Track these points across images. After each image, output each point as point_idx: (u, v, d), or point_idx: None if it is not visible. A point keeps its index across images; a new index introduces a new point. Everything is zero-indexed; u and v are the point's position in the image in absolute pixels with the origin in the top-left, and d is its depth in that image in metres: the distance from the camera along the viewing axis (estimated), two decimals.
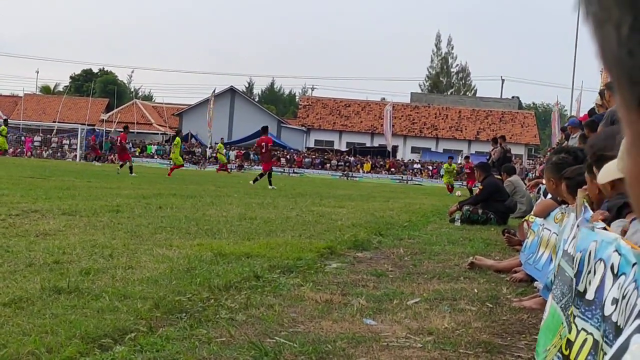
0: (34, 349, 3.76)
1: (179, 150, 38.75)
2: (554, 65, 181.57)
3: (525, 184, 18.93)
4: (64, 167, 40.20)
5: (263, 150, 29.17)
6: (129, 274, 5.99)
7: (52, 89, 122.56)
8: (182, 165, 40.37)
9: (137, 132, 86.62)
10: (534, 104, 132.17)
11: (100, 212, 11.39)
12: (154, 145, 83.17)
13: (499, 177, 17.27)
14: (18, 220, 9.56)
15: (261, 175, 29.28)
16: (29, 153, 74.67)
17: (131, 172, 33.80)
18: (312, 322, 4.88)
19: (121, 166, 35.89)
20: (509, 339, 4.81)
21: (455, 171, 40.97)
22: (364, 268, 7.52)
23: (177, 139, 39.64)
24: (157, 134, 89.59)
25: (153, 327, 4.40)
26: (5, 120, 48.27)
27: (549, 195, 7.65)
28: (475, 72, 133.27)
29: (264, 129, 30.12)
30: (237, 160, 77.82)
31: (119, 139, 37.91)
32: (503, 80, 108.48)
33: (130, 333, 4.21)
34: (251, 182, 28.69)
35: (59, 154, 78.26)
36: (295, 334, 4.53)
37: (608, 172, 3.43)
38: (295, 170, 74.51)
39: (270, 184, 27.67)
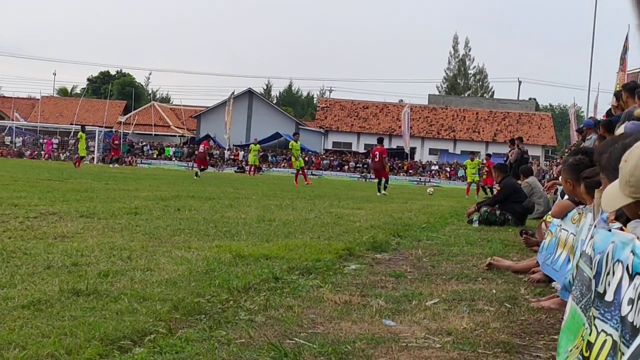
0: (53, 350, 3.77)
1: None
2: (570, 67, 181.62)
3: (543, 185, 18.89)
4: (82, 169, 40.33)
5: (376, 159, 30.32)
6: (147, 276, 6.00)
7: (69, 91, 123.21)
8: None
9: (155, 135, 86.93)
10: (550, 105, 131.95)
11: (119, 214, 11.42)
12: (171, 147, 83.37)
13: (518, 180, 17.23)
14: (36, 223, 9.59)
15: (386, 181, 30.41)
16: (46, 155, 74.92)
17: (196, 176, 36.13)
18: (331, 323, 4.87)
19: (201, 170, 38.41)
20: (527, 339, 4.79)
21: (478, 166, 40.52)
22: (383, 269, 7.50)
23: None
24: (175, 136, 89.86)
25: (172, 328, 4.40)
26: (83, 127, 49.02)
27: (567, 196, 7.62)
28: (493, 74, 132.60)
29: (380, 140, 31.80)
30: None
31: (202, 146, 39.98)
32: (520, 82, 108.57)
33: (149, 335, 4.21)
34: (383, 192, 29.33)
35: (76, 156, 78.56)
36: (315, 335, 4.52)
37: (612, 199, 3.33)
38: (313, 172, 74.51)
39: (379, 191, 29.05)
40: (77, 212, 11.19)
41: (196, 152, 45.75)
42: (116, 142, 57.00)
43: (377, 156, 30.15)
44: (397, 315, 5.23)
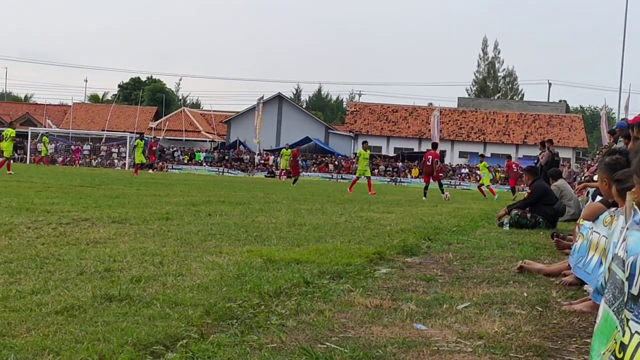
0: (86, 356, 3.80)
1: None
2: (601, 69, 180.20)
3: (574, 188, 18.77)
4: (113, 175, 40.56)
5: (428, 163, 30.71)
6: (179, 281, 6.03)
7: (100, 97, 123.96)
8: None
9: (185, 140, 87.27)
10: (581, 107, 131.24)
11: (150, 219, 11.47)
12: (202, 152, 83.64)
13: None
14: (69, 229, 9.66)
15: (440, 185, 31.42)
16: (78, 162, 75.34)
17: (293, 182, 38.11)
18: (362, 328, 4.87)
19: (293, 180, 39.82)
20: (559, 342, 4.76)
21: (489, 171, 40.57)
22: (414, 273, 7.49)
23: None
24: (206, 141, 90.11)
25: (204, 333, 4.42)
26: (141, 135, 49.92)
27: (598, 198, 7.57)
28: (522, 76, 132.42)
29: (434, 145, 32.50)
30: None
31: (293, 154, 42.20)
32: (550, 84, 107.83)
33: (181, 340, 4.23)
34: (443, 195, 30.03)
35: (108, 162, 79.03)
36: (346, 339, 4.53)
37: None
38: (343, 176, 74.47)
39: (425, 196, 29.43)
40: (109, 218, 11.26)
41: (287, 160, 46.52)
42: (153, 148, 57.50)
43: (430, 160, 30.57)
44: (428, 319, 5.22)
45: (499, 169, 75.01)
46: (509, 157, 47.26)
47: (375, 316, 5.23)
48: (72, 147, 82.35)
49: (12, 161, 33.73)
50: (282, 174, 53.73)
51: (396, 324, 5.02)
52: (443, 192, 30.33)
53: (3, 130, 46.24)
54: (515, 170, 40.57)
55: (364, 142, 35.79)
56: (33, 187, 20.31)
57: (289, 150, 53.22)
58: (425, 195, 29.38)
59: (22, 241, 8.23)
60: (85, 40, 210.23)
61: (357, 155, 36.43)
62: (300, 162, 41.76)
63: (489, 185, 38.88)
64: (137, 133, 60.57)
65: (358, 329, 4.85)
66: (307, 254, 7.99)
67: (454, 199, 29.25)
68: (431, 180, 30.51)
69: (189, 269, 6.67)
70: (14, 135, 34.53)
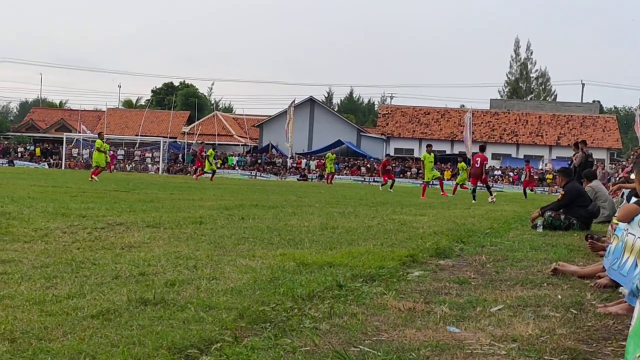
0: None
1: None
2: (635, 68, 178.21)
3: (608, 189, 18.62)
4: (147, 179, 40.79)
5: (477, 165, 30.64)
6: (213, 284, 6.06)
7: (134, 102, 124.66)
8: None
9: (218, 144, 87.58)
10: (615, 107, 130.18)
11: (184, 223, 11.53)
12: (235, 156, 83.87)
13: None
14: (104, 234, 9.75)
15: (488, 188, 31.55)
16: (112, 167, 75.63)
17: (390, 188, 39.12)
18: (395, 331, 4.88)
19: (383, 186, 40.82)
20: (594, 345, 4.74)
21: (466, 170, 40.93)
22: (447, 276, 7.48)
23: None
24: (238, 145, 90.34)
25: (238, 337, 4.45)
26: (213, 145, 51.89)
27: (633, 200, 7.52)
28: (555, 76, 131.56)
29: (482, 148, 32.41)
30: (317, 170, 77.97)
31: (383, 162, 43.23)
32: (583, 85, 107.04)
33: (216, 343, 4.26)
34: (491, 198, 30.15)
35: (142, 167, 79.43)
36: (379, 342, 4.53)
37: None
38: (375, 179, 74.33)
39: (474, 199, 29.54)
40: (144, 222, 11.33)
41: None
42: (202, 153, 58.09)
43: (478, 162, 30.51)
44: (461, 322, 5.22)
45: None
46: (527, 161, 50.03)
47: (408, 319, 5.23)
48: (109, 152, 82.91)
49: (101, 170, 34.45)
50: (329, 177, 54.44)
51: (429, 327, 5.02)
52: (491, 194, 30.36)
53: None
54: (531, 174, 41.60)
55: (429, 146, 35.88)
56: (68, 192, 20.46)
57: (333, 155, 54.04)
58: (474, 199, 29.46)
59: (58, 246, 8.32)
60: (118, 45, 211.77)
61: (422, 159, 36.12)
62: (390, 168, 42.44)
63: (462, 184, 40.27)
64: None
65: (391, 332, 4.85)
66: (340, 257, 8.00)
67: (486, 200, 29.09)
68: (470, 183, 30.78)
69: (222, 273, 6.70)
70: (100, 146, 35.22)
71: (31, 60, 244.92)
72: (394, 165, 78.75)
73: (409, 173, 77.75)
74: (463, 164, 40.26)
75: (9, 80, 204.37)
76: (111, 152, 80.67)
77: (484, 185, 31.09)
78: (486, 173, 30.89)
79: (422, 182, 36.31)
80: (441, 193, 35.18)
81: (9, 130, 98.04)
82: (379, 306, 5.62)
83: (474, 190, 30.59)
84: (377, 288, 6.37)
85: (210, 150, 48.22)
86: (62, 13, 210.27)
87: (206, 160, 47.16)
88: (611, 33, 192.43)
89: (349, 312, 5.32)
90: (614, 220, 9.55)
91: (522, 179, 52.43)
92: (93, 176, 32.24)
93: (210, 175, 46.66)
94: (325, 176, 57.92)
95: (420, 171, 77.64)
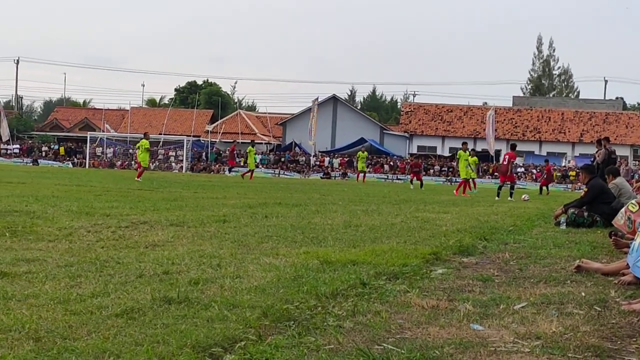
0: (146, 358, 3.85)
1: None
2: None
3: (632, 185, 18.50)
4: (171, 178, 40.93)
5: (504, 163, 31.08)
6: (237, 283, 6.07)
7: (157, 101, 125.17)
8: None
9: (242, 142, 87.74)
10: (638, 104, 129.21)
11: (208, 222, 11.56)
12: (258, 154, 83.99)
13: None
14: (128, 232, 9.79)
15: (511, 187, 31.53)
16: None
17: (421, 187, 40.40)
18: (419, 328, 4.86)
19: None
20: (618, 342, 4.70)
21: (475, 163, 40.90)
22: (470, 273, 7.45)
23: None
24: (262, 143, 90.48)
25: (262, 335, 4.45)
26: (252, 142, 53.10)
27: None
28: (578, 73, 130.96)
29: (513, 146, 32.10)
30: (341, 167, 77.97)
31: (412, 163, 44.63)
32: (606, 81, 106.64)
33: (240, 342, 4.26)
34: (509, 199, 30.05)
35: (165, 166, 79.68)
36: (403, 340, 4.53)
37: None
38: (398, 177, 74.29)
39: (498, 196, 30.16)
40: (167, 221, 11.37)
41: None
42: (234, 152, 58.47)
43: (506, 160, 30.81)
44: (485, 319, 5.20)
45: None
46: (546, 160, 52.22)
47: (432, 317, 5.21)
48: (131, 150, 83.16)
49: (144, 170, 34.84)
50: (360, 176, 54.97)
51: (453, 324, 5.01)
52: (512, 196, 30.29)
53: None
54: (550, 174, 42.55)
55: (464, 143, 35.95)
56: (92, 191, 20.57)
57: (365, 153, 54.30)
58: (498, 195, 29.79)
59: (82, 245, 8.36)
60: (142, 44, 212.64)
61: (457, 157, 36.07)
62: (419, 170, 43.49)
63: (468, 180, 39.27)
64: (249, 141, 61.08)
65: (415, 329, 4.84)
66: (364, 255, 8.00)
67: (507, 198, 29.01)
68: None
69: (246, 271, 6.72)
70: (149, 145, 35.90)
71: (55, 60, 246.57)
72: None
73: (431, 170, 77.53)
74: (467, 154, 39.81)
75: (33, 79, 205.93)
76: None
77: (509, 184, 30.95)
78: (509, 171, 30.77)
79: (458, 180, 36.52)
80: (456, 193, 34.54)
81: (33, 129, 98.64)
82: (403, 304, 5.61)
83: (500, 188, 30.59)
84: (400, 286, 6.36)
85: (250, 147, 48.81)
86: (85, 13, 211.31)
87: (249, 158, 47.46)
88: (635, 29, 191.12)
89: (372, 310, 5.31)
90: (630, 206, 9.49)
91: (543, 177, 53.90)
92: (138, 178, 32.58)
93: (251, 172, 47.18)
94: (357, 174, 58.19)
95: (442, 168, 77.88)
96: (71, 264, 6.87)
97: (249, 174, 46.85)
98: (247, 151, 47.77)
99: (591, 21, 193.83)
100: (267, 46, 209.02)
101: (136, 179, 32.57)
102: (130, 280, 6.09)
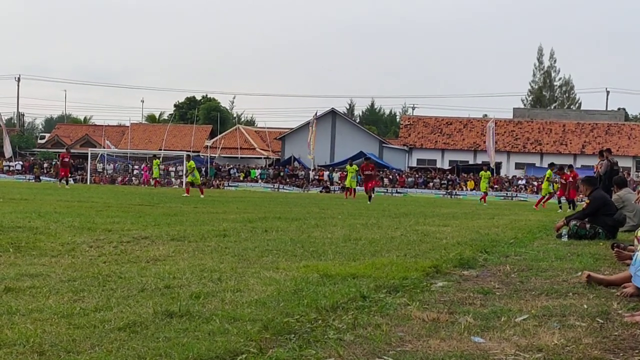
0: None
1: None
2: None
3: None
4: (171, 193, 40.93)
5: (570, 180, 32.94)
6: (237, 296, 6.11)
7: (157, 117, 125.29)
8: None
9: (241, 157, 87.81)
10: None
11: (208, 236, 11.60)
12: (257, 169, 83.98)
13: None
14: (129, 247, 9.83)
15: (574, 202, 33.14)
16: (144, 181, 75.29)
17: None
18: (419, 341, 4.89)
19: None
20: (621, 355, 4.72)
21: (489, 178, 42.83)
22: (471, 286, 7.47)
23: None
24: (261, 158, 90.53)
25: (263, 348, 4.48)
26: (154, 156, 52.96)
27: None
28: (579, 84, 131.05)
29: (570, 167, 34.88)
30: (340, 182, 77.92)
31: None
32: (608, 92, 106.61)
33: (241, 354, 4.30)
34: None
35: (165, 181, 79.63)
36: (404, 353, 4.55)
37: None
38: (398, 190, 74.30)
39: (560, 208, 31.96)
40: (168, 236, 11.41)
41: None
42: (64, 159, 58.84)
43: (571, 178, 32.38)
44: (486, 332, 5.23)
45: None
46: (570, 166, 49.95)
47: (433, 330, 5.24)
48: (133, 167, 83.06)
49: (157, 182, 36.65)
50: (349, 193, 52.98)
51: (454, 337, 5.03)
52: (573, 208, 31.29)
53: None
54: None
55: (485, 164, 37.33)
56: (94, 206, 20.58)
57: (354, 167, 53.16)
58: (560, 208, 31.38)
59: (85, 260, 8.40)
60: (140, 62, 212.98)
61: (480, 176, 38.33)
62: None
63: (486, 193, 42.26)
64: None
65: (415, 342, 4.87)
66: (364, 268, 8.03)
67: (511, 210, 29.00)
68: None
69: (246, 285, 6.75)
70: (194, 165, 38.28)
71: (55, 77, 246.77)
72: (417, 176, 79.03)
73: (431, 184, 77.50)
74: (488, 172, 40.78)
75: (34, 97, 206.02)
76: (145, 165, 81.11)
77: (569, 200, 32.02)
78: (574, 189, 31.88)
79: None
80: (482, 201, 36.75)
81: (35, 146, 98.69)
82: (403, 317, 5.64)
83: (559, 201, 32.16)
84: (400, 299, 6.38)
85: (155, 160, 49.58)
86: (84, 30, 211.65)
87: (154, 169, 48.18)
88: (636, 40, 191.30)
89: (372, 323, 5.34)
90: (638, 233, 9.52)
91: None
92: (198, 194, 34.60)
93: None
94: (345, 192, 55.66)
95: (442, 181, 77.84)
96: (74, 278, 6.92)
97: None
98: (153, 163, 48.20)
99: (592, 32, 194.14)
100: (265, 61, 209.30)
101: (200, 195, 34.52)
102: (133, 294, 6.13)
